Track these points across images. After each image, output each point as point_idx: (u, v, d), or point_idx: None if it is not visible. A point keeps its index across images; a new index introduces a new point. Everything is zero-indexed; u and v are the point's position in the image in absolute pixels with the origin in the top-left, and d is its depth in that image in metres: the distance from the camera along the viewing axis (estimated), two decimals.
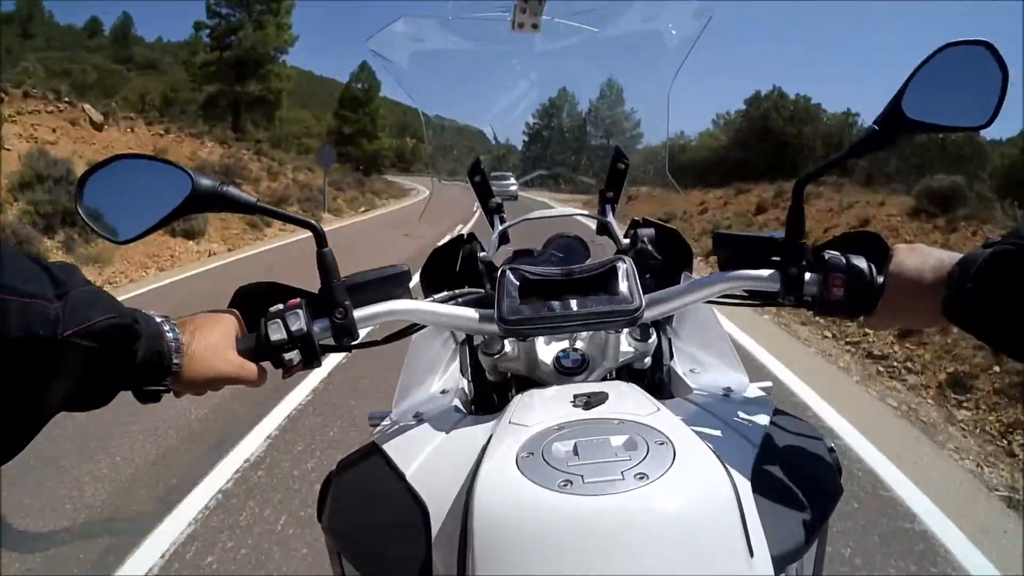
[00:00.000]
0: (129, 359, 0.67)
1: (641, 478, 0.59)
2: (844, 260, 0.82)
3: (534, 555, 0.56)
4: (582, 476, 0.60)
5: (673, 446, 0.64)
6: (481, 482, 0.63)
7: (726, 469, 0.63)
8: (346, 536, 0.80)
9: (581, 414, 0.74)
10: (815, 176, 0.86)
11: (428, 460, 0.81)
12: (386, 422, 1.00)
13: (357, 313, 0.87)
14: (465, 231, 1.34)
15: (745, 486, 0.69)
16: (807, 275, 0.84)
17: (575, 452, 0.64)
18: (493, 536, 0.59)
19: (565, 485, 0.59)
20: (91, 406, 0.67)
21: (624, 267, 0.92)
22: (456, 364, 1.24)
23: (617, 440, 0.66)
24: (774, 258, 0.87)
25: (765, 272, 0.87)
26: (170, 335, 0.73)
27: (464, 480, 0.72)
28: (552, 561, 0.56)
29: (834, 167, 0.84)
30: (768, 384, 1.06)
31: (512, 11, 1.41)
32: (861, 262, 0.82)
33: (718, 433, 0.79)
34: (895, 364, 5.16)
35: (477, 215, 1.58)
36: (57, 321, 0.58)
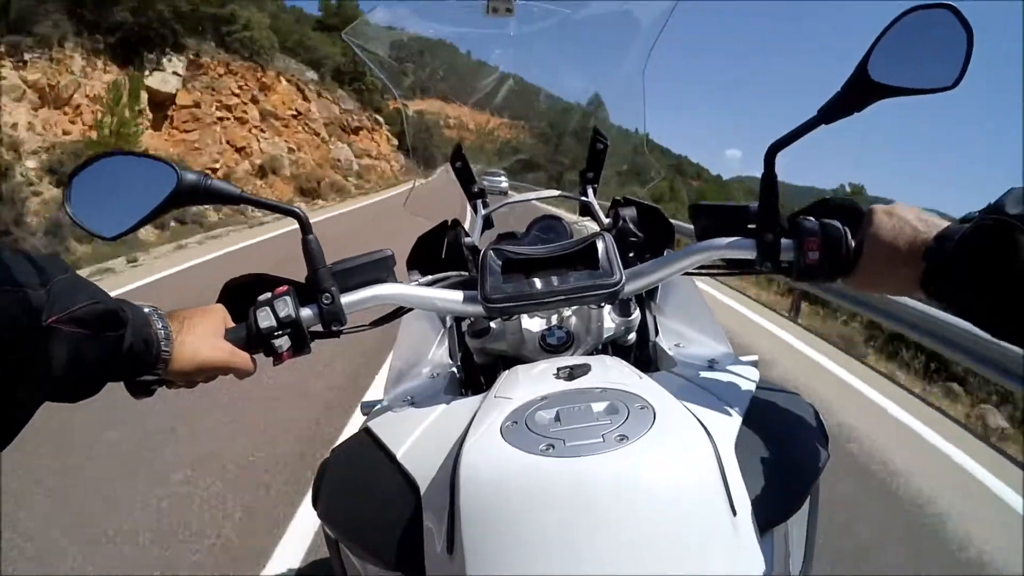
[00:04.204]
0: (116, 346, 0.66)
1: (622, 439, 0.61)
2: (818, 224, 0.83)
3: (518, 517, 0.58)
4: (564, 440, 0.62)
5: (653, 410, 0.65)
6: (466, 451, 0.65)
7: (707, 431, 0.64)
8: (341, 521, 0.81)
9: (564, 385, 0.75)
10: (786, 142, 0.87)
11: (418, 440, 0.82)
12: (378, 408, 1.01)
13: (344, 298, 0.87)
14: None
15: (728, 448, 0.70)
16: (783, 241, 0.85)
17: (557, 419, 0.66)
18: (478, 501, 0.60)
19: (548, 449, 0.61)
20: (79, 396, 0.67)
21: (604, 243, 0.93)
22: (445, 347, 1.25)
23: (599, 406, 0.67)
24: (750, 226, 0.88)
25: (741, 240, 0.88)
26: (159, 323, 0.73)
27: (452, 453, 0.73)
28: (536, 522, 0.57)
29: (805, 133, 0.85)
30: (754, 357, 1.07)
31: None
32: (835, 225, 0.82)
33: (701, 402, 0.80)
34: None
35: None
36: (41, 308, 0.58)
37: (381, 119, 40.44)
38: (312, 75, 31.30)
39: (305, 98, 27.75)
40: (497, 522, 0.59)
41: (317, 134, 27.55)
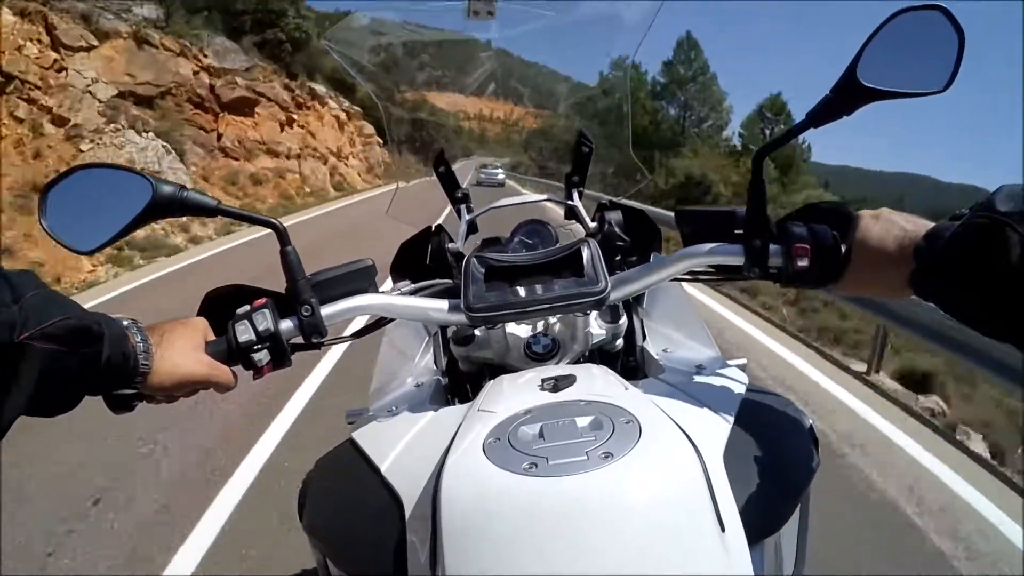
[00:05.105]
0: (92, 362, 0.65)
1: (606, 457, 0.59)
2: (807, 229, 0.82)
3: (501, 538, 0.56)
4: (547, 458, 0.60)
5: (639, 424, 0.64)
6: (448, 470, 0.63)
7: (694, 445, 0.63)
8: (326, 535, 0.79)
9: (549, 397, 0.74)
10: (774, 147, 0.86)
11: (402, 453, 0.80)
12: (362, 418, 0.99)
13: (324, 310, 0.86)
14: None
15: (716, 461, 0.68)
16: (771, 246, 0.84)
17: (541, 435, 0.65)
18: (460, 522, 0.59)
19: (530, 468, 0.59)
20: (55, 411, 0.65)
21: (589, 249, 0.91)
22: (431, 355, 1.24)
23: (583, 421, 0.66)
24: (737, 231, 0.87)
25: (729, 246, 0.87)
26: (137, 337, 0.72)
27: (435, 468, 0.72)
28: (518, 543, 0.56)
29: (793, 137, 0.84)
30: (743, 361, 1.06)
31: None
32: (824, 231, 0.81)
33: (689, 410, 0.79)
34: None
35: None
36: (13, 326, 0.57)
37: (323, 90, 26.12)
38: (146, 10, 16.63)
39: (56, 46, 13.06)
40: (479, 543, 0.57)
41: (61, 118, 12.18)
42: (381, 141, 31.47)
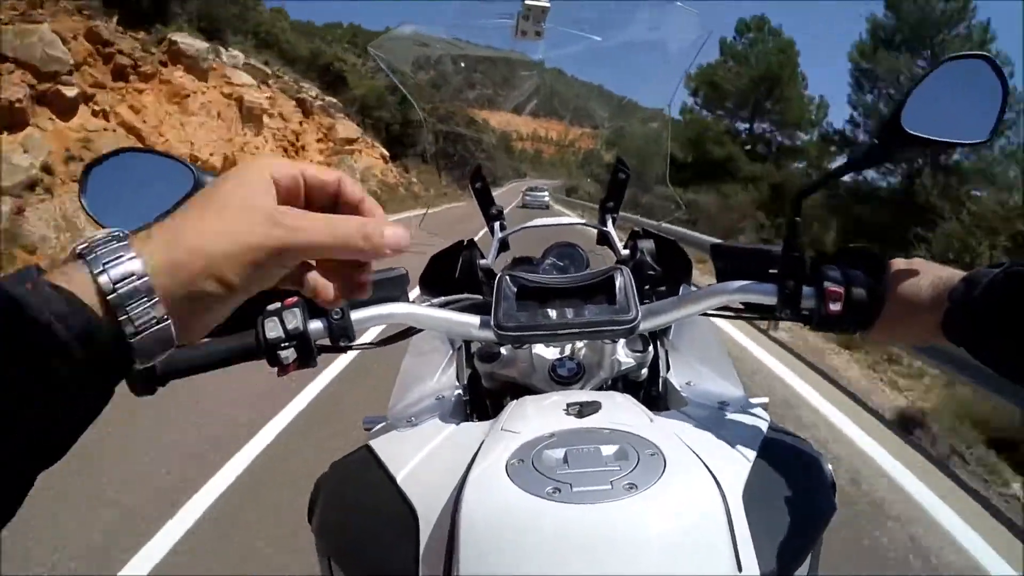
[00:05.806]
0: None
1: (630, 488, 0.59)
2: (842, 274, 0.81)
3: (519, 561, 0.56)
4: (571, 484, 0.60)
5: (664, 458, 0.64)
6: (469, 487, 0.63)
7: (716, 482, 0.63)
8: (335, 539, 0.80)
9: (573, 423, 0.73)
10: (814, 189, 0.86)
11: (420, 465, 0.81)
12: (381, 426, 1.00)
13: (354, 315, 0.86)
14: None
15: (736, 500, 0.68)
16: (804, 288, 0.83)
17: (565, 460, 0.64)
18: (479, 541, 0.59)
19: (554, 492, 0.59)
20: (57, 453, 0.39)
21: (622, 277, 0.91)
22: (453, 369, 1.24)
23: (608, 450, 0.66)
24: (772, 271, 0.86)
25: (762, 285, 0.86)
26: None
27: (454, 485, 0.72)
28: (537, 568, 0.56)
29: (832, 180, 0.84)
30: (764, 400, 1.05)
31: (515, 18, 1.41)
32: (859, 276, 0.81)
33: (711, 447, 0.78)
34: None
35: None
36: None
37: (203, 47, 15.62)
38: None
39: None
40: (497, 563, 0.57)
41: None
42: (388, 155, 24.18)
